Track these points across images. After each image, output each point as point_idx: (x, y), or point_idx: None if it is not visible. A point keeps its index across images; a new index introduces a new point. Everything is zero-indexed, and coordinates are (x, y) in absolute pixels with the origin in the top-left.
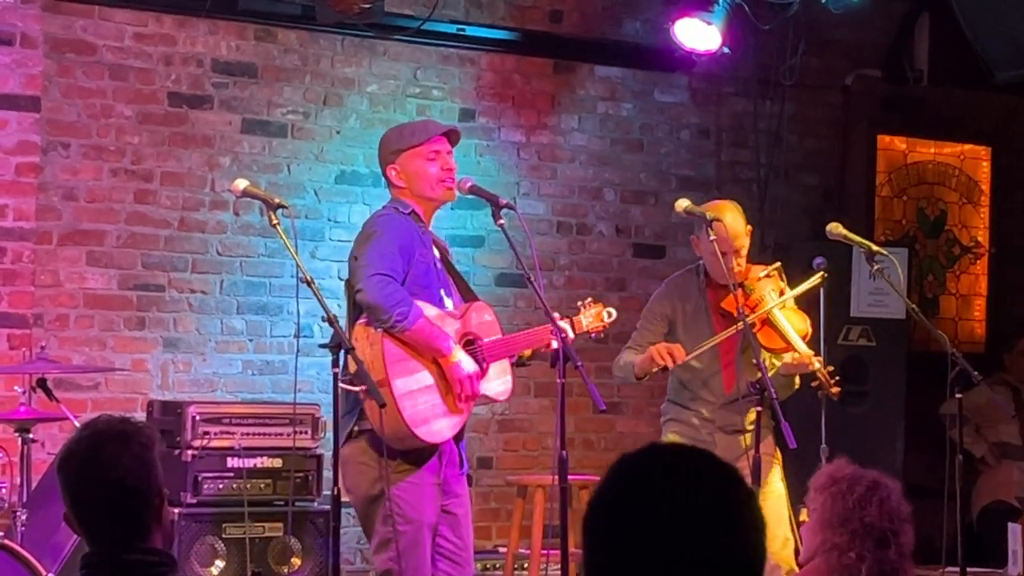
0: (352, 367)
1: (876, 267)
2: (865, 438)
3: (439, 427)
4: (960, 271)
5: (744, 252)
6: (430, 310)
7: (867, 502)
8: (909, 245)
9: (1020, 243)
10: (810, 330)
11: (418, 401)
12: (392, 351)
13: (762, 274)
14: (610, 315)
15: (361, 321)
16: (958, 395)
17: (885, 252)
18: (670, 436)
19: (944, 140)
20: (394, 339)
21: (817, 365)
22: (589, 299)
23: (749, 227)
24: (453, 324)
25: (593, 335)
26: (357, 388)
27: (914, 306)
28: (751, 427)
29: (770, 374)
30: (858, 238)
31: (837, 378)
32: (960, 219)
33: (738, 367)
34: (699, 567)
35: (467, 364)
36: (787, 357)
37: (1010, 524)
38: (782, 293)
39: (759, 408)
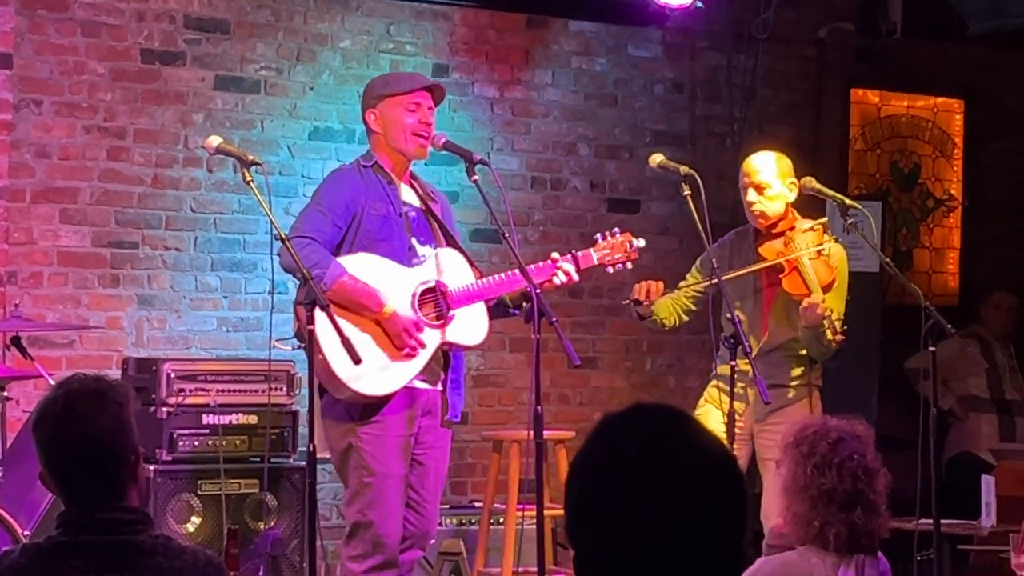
0: (295, 326)
1: (850, 221)
2: (840, 391)
3: (382, 378)
4: (933, 224)
5: (770, 193)
6: (377, 264)
7: (826, 467)
8: (883, 198)
9: (993, 196)
10: (834, 281)
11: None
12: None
13: (806, 227)
14: (632, 245)
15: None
16: (932, 348)
17: (859, 206)
18: (710, 391)
19: (917, 93)
20: None
21: (827, 312)
22: (616, 229)
23: (794, 180)
24: (413, 273)
25: (617, 268)
26: (295, 348)
27: (888, 260)
28: (795, 383)
29: (797, 333)
30: (832, 192)
31: (845, 328)
32: (933, 172)
33: (773, 315)
34: (684, 527)
35: (403, 314)
36: (804, 301)
37: (983, 476)
38: (821, 247)
39: (733, 363)
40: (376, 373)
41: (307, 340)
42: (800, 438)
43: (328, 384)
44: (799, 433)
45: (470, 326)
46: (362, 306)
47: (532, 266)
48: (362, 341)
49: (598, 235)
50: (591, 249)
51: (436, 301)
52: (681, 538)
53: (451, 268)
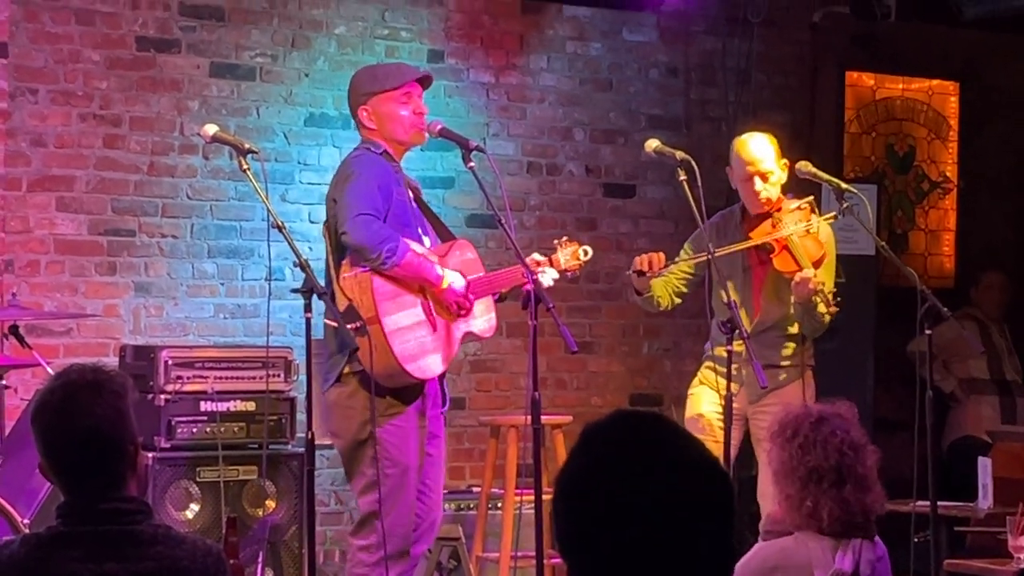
0: (343, 304)
1: (845, 205)
2: (835, 374)
3: (428, 363)
4: (929, 206)
5: (773, 179)
6: (414, 246)
7: (810, 445)
8: (878, 181)
9: (988, 177)
10: (824, 255)
11: (408, 337)
12: (382, 288)
13: (793, 206)
14: (586, 253)
15: (345, 262)
16: (928, 331)
17: (854, 190)
18: (704, 372)
19: (912, 76)
20: (383, 276)
21: (819, 286)
22: (565, 237)
23: (785, 161)
24: (436, 261)
25: (570, 274)
26: (337, 324)
27: (883, 243)
28: (787, 362)
29: (789, 311)
30: (827, 176)
31: (839, 299)
32: (929, 154)
33: (765, 295)
34: (673, 534)
35: (458, 283)
36: (796, 276)
37: (980, 458)
38: (809, 224)
39: (729, 347)
40: (426, 356)
41: (345, 320)
42: (783, 424)
43: (380, 367)
44: (782, 420)
45: (485, 318)
46: (423, 280)
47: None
48: (414, 321)
49: (555, 241)
50: (557, 254)
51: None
52: (671, 545)
53: (467, 259)
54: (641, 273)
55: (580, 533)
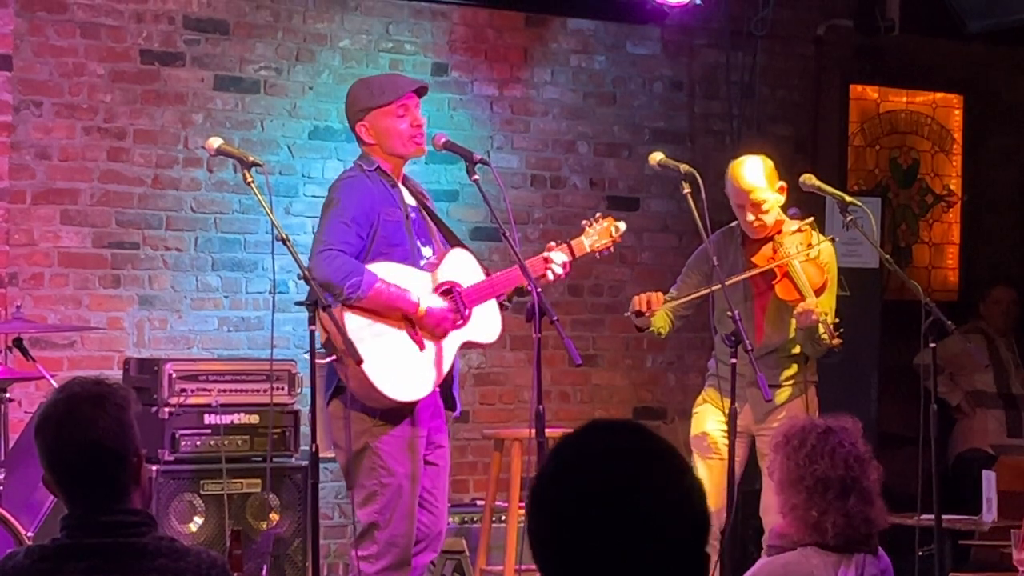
0: (323, 337)
1: (849, 218)
2: (839, 387)
3: (415, 385)
4: (933, 219)
5: (766, 207)
6: (397, 270)
7: (818, 455)
8: (882, 194)
9: (992, 191)
10: (826, 282)
11: (389, 364)
12: (352, 320)
13: (794, 228)
14: (617, 230)
15: None
16: (932, 345)
17: (859, 203)
18: (708, 391)
19: (916, 89)
20: (353, 308)
21: (823, 316)
22: (598, 214)
23: (782, 184)
24: (428, 277)
25: (603, 253)
26: (328, 359)
27: (887, 256)
28: (789, 382)
29: (791, 335)
30: (831, 189)
31: (841, 330)
32: (933, 168)
33: (768, 320)
34: (645, 543)
35: (436, 305)
36: (798, 307)
37: (984, 471)
38: (811, 248)
39: (734, 360)
40: (409, 378)
41: (345, 346)
42: (789, 434)
43: (360, 391)
44: (788, 431)
45: (486, 324)
46: (398, 309)
47: (527, 261)
48: (393, 346)
49: (584, 222)
50: (581, 236)
51: (453, 301)
52: (639, 553)
53: (462, 267)
54: (640, 314)
55: (550, 542)
